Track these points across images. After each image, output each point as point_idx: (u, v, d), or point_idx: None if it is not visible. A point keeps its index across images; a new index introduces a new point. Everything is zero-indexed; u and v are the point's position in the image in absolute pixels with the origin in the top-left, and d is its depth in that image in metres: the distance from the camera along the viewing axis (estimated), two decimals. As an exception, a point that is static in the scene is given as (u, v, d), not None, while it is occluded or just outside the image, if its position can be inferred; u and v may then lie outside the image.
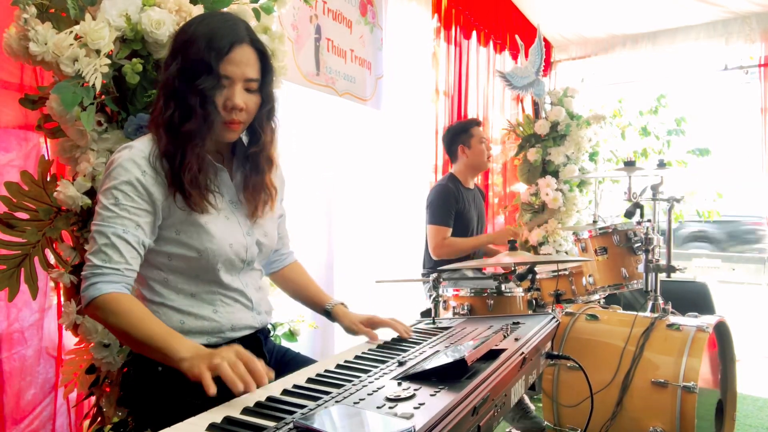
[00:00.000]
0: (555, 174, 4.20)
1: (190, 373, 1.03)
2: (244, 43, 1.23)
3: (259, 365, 1.02)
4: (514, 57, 4.54)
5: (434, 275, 2.26)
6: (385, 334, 1.50)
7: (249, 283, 1.39)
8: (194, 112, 1.21)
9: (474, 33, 4.15)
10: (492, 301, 2.32)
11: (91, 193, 1.52)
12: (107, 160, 1.50)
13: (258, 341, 1.41)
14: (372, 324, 1.50)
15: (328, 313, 1.57)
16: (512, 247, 2.42)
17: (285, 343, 2.01)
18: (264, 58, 1.28)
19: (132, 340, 1.13)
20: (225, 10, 1.68)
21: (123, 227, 1.18)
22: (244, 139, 1.39)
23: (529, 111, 4.53)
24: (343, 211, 3.06)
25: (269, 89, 1.32)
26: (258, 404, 0.93)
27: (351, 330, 1.52)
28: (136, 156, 1.21)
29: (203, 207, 1.25)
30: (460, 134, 3.13)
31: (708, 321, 2.14)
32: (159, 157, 1.23)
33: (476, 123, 3.22)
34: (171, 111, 1.22)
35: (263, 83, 1.28)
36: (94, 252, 1.16)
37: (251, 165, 1.36)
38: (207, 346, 1.28)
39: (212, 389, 0.97)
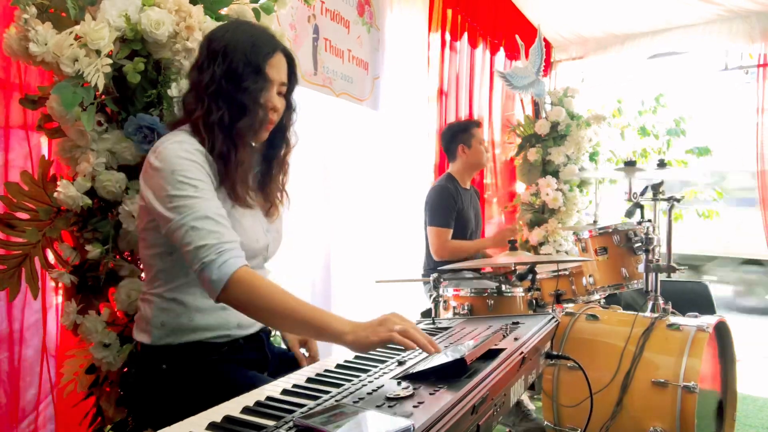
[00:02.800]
0: (555, 174, 4.20)
1: (358, 345, 1.07)
2: (280, 49, 1.32)
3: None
4: (514, 57, 4.54)
5: (434, 275, 2.26)
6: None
7: None
8: (247, 111, 1.27)
9: (473, 33, 4.14)
10: (492, 301, 2.32)
11: (92, 193, 1.52)
12: (107, 161, 1.51)
13: (261, 340, 1.43)
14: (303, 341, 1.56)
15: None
16: (512, 247, 2.42)
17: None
18: (292, 66, 1.37)
19: (283, 317, 1.13)
20: (225, 10, 1.68)
21: (216, 206, 1.19)
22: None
23: (529, 111, 4.53)
24: (341, 212, 3.06)
25: (292, 95, 1.40)
26: (258, 403, 0.93)
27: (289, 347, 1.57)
28: (188, 147, 1.23)
29: (246, 202, 1.30)
30: (461, 133, 3.13)
31: (708, 321, 2.13)
32: (208, 152, 1.26)
33: (476, 124, 3.22)
34: (221, 112, 1.26)
35: (289, 89, 1.37)
36: (204, 235, 1.14)
37: (272, 167, 1.43)
38: (214, 341, 1.31)
39: (431, 348, 1.05)
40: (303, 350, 1.55)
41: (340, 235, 3.05)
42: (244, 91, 1.26)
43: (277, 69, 1.31)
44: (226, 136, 1.27)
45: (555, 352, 1.53)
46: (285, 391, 1.00)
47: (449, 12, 3.86)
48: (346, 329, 1.09)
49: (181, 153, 1.21)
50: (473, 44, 4.19)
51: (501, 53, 4.55)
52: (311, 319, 1.11)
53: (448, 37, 3.90)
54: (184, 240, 1.14)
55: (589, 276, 2.65)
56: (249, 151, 1.33)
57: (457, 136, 3.14)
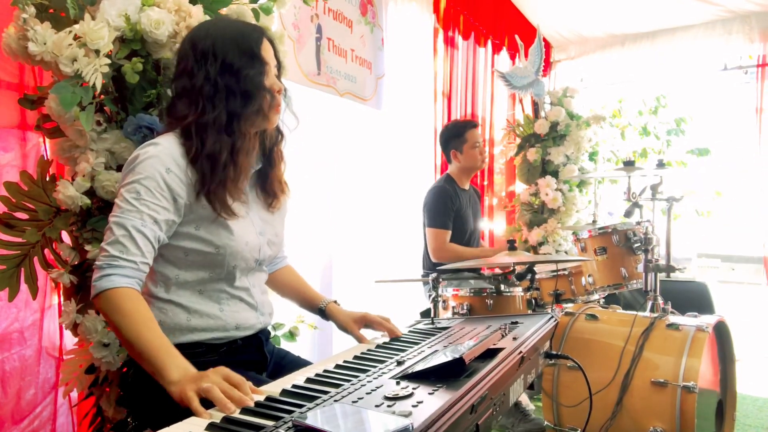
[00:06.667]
0: (555, 174, 4.20)
1: (177, 398, 1.01)
2: (264, 35, 1.33)
3: (248, 387, 1.00)
4: (514, 57, 4.54)
5: (434, 275, 2.26)
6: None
7: (256, 283, 1.42)
8: (252, 98, 1.26)
9: (473, 33, 4.15)
10: (491, 301, 2.32)
11: (91, 193, 1.52)
12: (107, 160, 1.52)
13: (259, 341, 1.43)
14: (365, 321, 1.53)
15: (322, 312, 1.58)
16: (512, 246, 2.42)
17: (284, 344, 2.02)
18: (276, 50, 1.37)
19: (128, 344, 1.12)
20: (224, 10, 1.68)
21: (142, 221, 1.18)
22: None
23: (529, 111, 4.53)
24: (342, 212, 3.06)
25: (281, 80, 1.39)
26: (257, 404, 0.93)
27: (344, 328, 1.54)
28: (162, 153, 1.22)
29: (230, 211, 1.27)
30: (453, 139, 3.08)
31: (707, 321, 2.13)
32: (190, 160, 1.24)
33: (472, 125, 3.14)
34: (218, 111, 1.25)
35: (279, 72, 1.37)
36: (111, 243, 1.16)
37: (270, 158, 1.42)
38: (212, 342, 1.31)
39: (204, 416, 0.93)
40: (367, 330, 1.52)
41: (342, 235, 3.05)
42: (245, 79, 1.26)
43: (268, 52, 1.32)
44: (221, 134, 1.25)
45: (554, 352, 1.53)
46: (284, 392, 1.00)
47: (452, 11, 3.86)
48: (174, 378, 1.04)
49: (154, 156, 1.21)
50: (478, 43, 4.20)
51: (503, 53, 4.55)
52: (150, 357, 1.08)
53: (451, 35, 3.90)
54: (104, 235, 1.19)
55: (589, 276, 2.65)
56: (246, 150, 1.30)
57: (449, 142, 3.10)
